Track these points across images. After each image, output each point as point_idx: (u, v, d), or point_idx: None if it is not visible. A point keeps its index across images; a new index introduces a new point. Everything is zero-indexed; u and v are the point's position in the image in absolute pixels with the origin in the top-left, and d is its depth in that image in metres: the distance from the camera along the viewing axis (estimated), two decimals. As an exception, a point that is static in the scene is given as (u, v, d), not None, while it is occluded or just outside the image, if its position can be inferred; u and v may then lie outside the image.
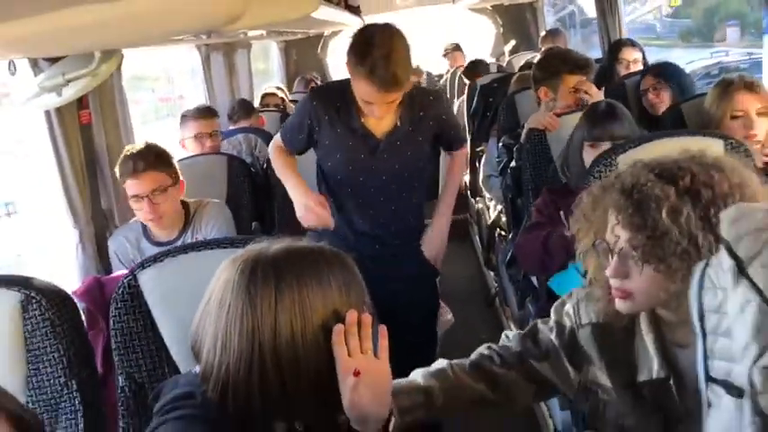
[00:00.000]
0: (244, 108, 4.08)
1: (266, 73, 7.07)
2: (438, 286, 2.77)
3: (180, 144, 3.28)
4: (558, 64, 2.82)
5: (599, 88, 3.12)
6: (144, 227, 2.34)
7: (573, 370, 1.41)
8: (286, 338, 1.03)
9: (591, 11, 5.47)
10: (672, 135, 1.63)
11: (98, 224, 2.57)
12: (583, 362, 1.40)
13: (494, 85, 4.28)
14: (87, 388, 1.42)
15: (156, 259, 1.39)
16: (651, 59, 3.68)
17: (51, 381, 1.40)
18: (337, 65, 8.09)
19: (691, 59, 10.79)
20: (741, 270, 0.89)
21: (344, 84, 2.24)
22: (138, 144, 2.29)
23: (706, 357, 0.99)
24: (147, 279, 1.37)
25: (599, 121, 2.14)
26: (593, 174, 1.69)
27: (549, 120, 2.61)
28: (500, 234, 3.75)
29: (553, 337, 1.42)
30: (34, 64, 2.20)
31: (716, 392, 0.98)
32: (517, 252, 2.40)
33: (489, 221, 4.00)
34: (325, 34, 7.49)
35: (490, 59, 7.42)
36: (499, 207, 3.71)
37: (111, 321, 1.37)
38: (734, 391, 0.93)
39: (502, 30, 7.66)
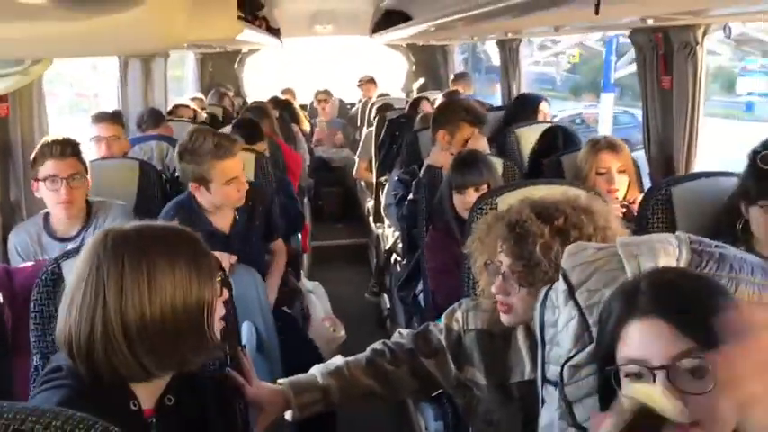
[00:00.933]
0: (152, 117, 4.14)
1: (181, 80, 7.08)
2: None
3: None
4: (460, 113, 3.11)
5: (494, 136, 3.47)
6: (45, 222, 2.41)
7: (455, 368, 1.64)
8: (132, 303, 1.14)
9: (495, 59, 5.94)
10: (540, 183, 1.91)
11: (6, 215, 2.60)
12: (464, 362, 1.63)
13: (401, 120, 4.57)
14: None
15: (78, 250, 1.51)
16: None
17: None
18: (252, 80, 8.23)
19: (566, 109, 12.35)
20: (571, 293, 1.14)
21: (188, 199, 2.53)
22: (58, 134, 2.38)
23: (544, 363, 1.24)
24: (69, 267, 1.48)
25: (460, 169, 2.48)
26: (476, 212, 1.94)
27: (447, 159, 2.89)
28: (395, 259, 3.99)
29: (442, 338, 1.65)
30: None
31: (549, 391, 1.23)
32: (439, 294, 2.55)
33: (387, 247, 4.25)
34: (243, 51, 7.60)
35: (401, 93, 7.78)
36: (397, 234, 3.96)
37: (32, 305, 1.48)
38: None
39: (414, 67, 8.04)
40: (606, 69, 7.97)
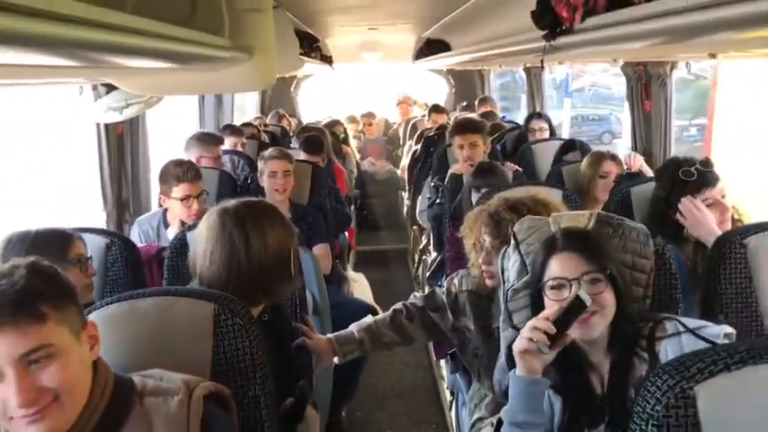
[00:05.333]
0: (229, 130, 4.90)
1: (242, 108, 7.85)
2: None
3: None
4: (455, 128, 3.86)
5: (515, 149, 4.12)
6: (164, 217, 3.06)
7: (453, 318, 2.29)
8: (254, 252, 1.70)
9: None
10: (525, 185, 2.56)
11: (119, 210, 3.34)
12: (459, 314, 2.28)
13: (435, 137, 5.23)
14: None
15: (195, 226, 2.21)
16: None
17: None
18: (306, 102, 9.01)
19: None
20: (517, 246, 1.79)
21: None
22: (180, 160, 3.06)
23: (506, 299, 1.87)
24: (191, 236, 2.18)
25: (480, 175, 3.11)
26: (477, 205, 2.58)
27: (465, 167, 3.55)
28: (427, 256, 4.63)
29: (444, 297, 2.30)
30: (94, 88, 2.99)
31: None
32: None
33: (420, 246, 4.90)
34: (298, 76, 8.38)
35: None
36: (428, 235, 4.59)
37: (167, 261, 2.19)
38: (516, 312, 1.81)
39: (454, 89, 8.70)
40: (566, 84, 11.97)
